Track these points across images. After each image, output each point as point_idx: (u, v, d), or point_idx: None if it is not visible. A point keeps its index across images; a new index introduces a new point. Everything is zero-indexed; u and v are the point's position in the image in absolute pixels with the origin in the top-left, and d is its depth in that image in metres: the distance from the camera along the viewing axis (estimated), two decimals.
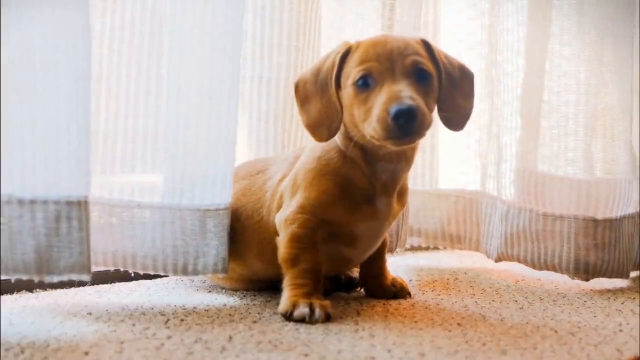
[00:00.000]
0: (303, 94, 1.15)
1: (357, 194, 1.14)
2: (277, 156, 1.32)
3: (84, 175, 1.05)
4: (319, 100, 1.13)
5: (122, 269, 1.20)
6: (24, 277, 1.02)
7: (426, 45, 1.13)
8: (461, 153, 1.68)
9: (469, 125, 1.59)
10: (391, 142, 1.05)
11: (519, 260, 1.48)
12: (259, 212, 1.21)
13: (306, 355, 0.92)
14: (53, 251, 1.02)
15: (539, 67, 1.48)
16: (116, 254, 1.18)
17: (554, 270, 1.44)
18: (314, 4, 1.44)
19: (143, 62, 1.19)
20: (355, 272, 1.34)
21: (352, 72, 1.09)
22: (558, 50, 1.47)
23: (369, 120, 1.06)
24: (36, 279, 1.02)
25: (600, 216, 1.43)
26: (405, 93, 1.03)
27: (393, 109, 1.01)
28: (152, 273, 1.21)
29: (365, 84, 1.07)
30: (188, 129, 1.17)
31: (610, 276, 1.43)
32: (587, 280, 1.43)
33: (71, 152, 1.03)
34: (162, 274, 1.20)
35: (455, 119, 1.16)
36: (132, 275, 1.31)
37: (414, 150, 1.16)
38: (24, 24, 1.00)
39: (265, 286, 1.28)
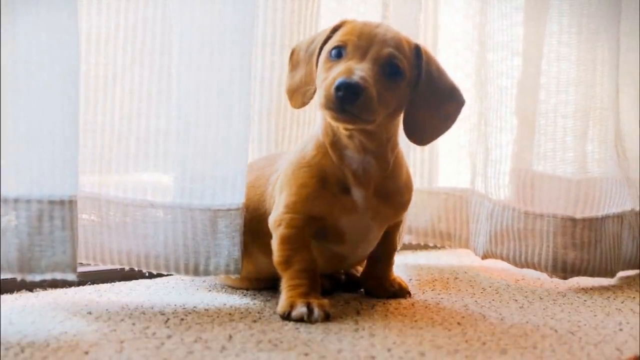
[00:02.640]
0: (295, 60, 1.19)
1: (333, 184, 1.14)
2: (288, 151, 1.33)
3: (70, 175, 1.04)
4: (305, 67, 1.16)
5: (136, 268, 1.20)
6: (6, 276, 1.02)
7: (417, 50, 1.13)
8: (455, 152, 1.68)
9: (463, 124, 1.61)
10: (329, 114, 1.06)
11: (502, 258, 1.49)
12: (263, 205, 1.22)
13: (306, 354, 0.92)
14: (35, 250, 1.02)
15: (534, 66, 1.48)
16: (130, 253, 1.19)
17: (534, 268, 1.45)
18: (309, 3, 1.44)
19: (155, 61, 1.20)
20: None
21: (331, 41, 1.11)
22: (555, 50, 1.47)
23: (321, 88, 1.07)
24: (18, 277, 1.02)
25: (579, 215, 1.43)
26: (359, 72, 1.04)
27: (338, 80, 1.02)
28: (164, 273, 1.21)
29: (337, 55, 1.09)
30: (199, 128, 1.18)
31: (591, 275, 1.44)
32: (565, 278, 1.44)
33: (56, 151, 1.03)
34: (174, 274, 1.21)
35: (420, 134, 1.16)
36: (133, 274, 1.31)
37: (380, 145, 1.14)
38: (8, 23, 1.00)
39: (267, 285, 1.28)
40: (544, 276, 1.49)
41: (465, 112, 1.59)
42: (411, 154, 1.59)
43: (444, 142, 1.68)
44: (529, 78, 1.49)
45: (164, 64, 1.19)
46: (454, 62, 1.65)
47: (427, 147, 1.64)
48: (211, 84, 1.17)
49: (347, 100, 1.02)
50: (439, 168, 1.69)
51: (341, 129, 1.11)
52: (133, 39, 1.19)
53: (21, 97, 1.01)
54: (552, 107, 1.47)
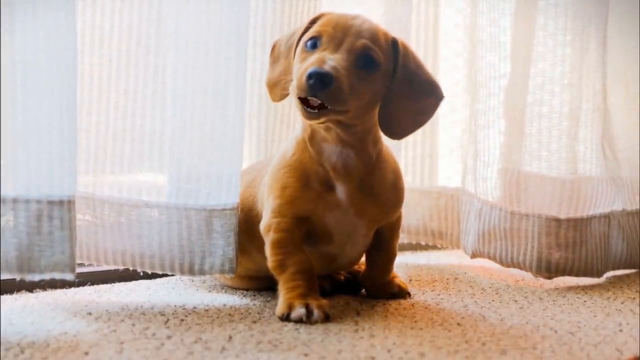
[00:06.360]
0: (276, 54, 1.19)
1: (315, 182, 1.13)
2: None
3: (68, 175, 1.05)
4: (285, 60, 1.15)
5: (130, 268, 1.20)
6: (5, 276, 1.02)
7: (393, 43, 1.13)
8: (454, 152, 1.69)
9: (461, 125, 1.61)
10: (299, 104, 1.04)
11: (489, 257, 1.50)
12: (256, 207, 1.22)
13: (306, 355, 0.92)
14: (34, 250, 1.02)
15: (523, 68, 1.49)
16: (125, 253, 1.19)
17: (519, 268, 1.46)
18: (299, 3, 1.43)
19: (150, 62, 1.20)
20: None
21: (308, 33, 1.11)
22: (543, 51, 1.48)
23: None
24: (17, 277, 1.02)
25: (563, 215, 1.44)
26: (330, 62, 1.04)
27: (310, 69, 1.02)
28: (159, 272, 1.21)
29: (313, 46, 1.09)
30: (193, 128, 1.18)
31: (577, 275, 1.45)
32: (549, 278, 1.45)
33: (54, 151, 1.03)
34: (170, 273, 1.21)
35: (393, 127, 1.14)
36: (132, 275, 1.31)
37: (359, 139, 1.13)
38: (6, 23, 1.00)
39: (267, 285, 1.28)
40: None
41: (464, 113, 1.61)
42: (402, 152, 1.59)
43: (444, 143, 1.69)
44: (517, 80, 1.49)
45: (159, 64, 1.20)
46: (453, 64, 1.66)
47: (423, 146, 1.65)
48: (206, 84, 1.17)
49: (317, 88, 1.02)
50: (437, 168, 1.68)
51: (303, 116, 1.08)
52: (128, 40, 1.19)
53: (19, 97, 1.01)
54: (537, 108, 1.48)
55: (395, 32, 1.20)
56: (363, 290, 1.30)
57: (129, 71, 1.19)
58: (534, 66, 1.49)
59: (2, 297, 1.18)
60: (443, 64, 1.66)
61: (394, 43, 1.13)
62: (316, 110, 1.04)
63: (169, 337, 0.98)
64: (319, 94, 1.02)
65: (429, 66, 1.52)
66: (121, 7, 1.18)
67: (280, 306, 1.10)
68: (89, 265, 1.24)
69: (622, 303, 1.28)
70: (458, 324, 1.10)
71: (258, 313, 1.13)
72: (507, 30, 1.50)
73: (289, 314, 1.08)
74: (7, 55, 1.00)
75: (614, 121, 1.58)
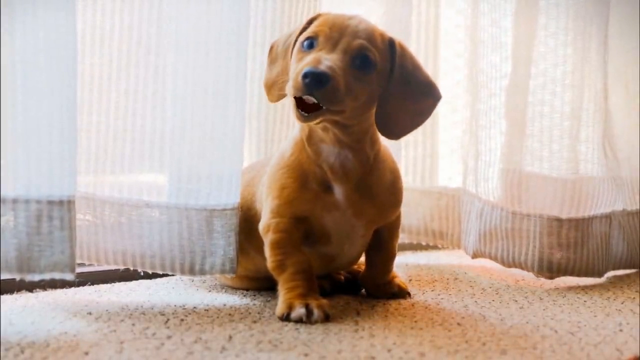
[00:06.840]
0: (274, 55, 1.19)
1: (313, 182, 1.13)
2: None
3: (67, 175, 1.05)
4: (282, 61, 1.15)
5: (131, 268, 1.21)
6: (5, 276, 1.02)
7: (390, 44, 1.12)
8: (455, 152, 1.69)
9: (461, 125, 1.61)
10: (293, 105, 1.05)
11: (490, 257, 1.50)
12: (254, 206, 1.22)
13: (306, 355, 0.92)
14: (34, 250, 1.02)
15: (524, 68, 1.49)
16: (126, 253, 1.19)
17: (521, 268, 1.47)
18: (299, 3, 1.43)
19: (150, 62, 1.20)
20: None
21: (305, 33, 1.10)
22: (544, 51, 1.49)
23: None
24: (17, 277, 1.02)
25: (565, 216, 1.44)
26: (326, 62, 1.03)
27: (305, 69, 1.02)
28: (160, 272, 1.21)
29: (309, 46, 1.08)
30: (194, 128, 1.18)
31: (578, 275, 1.46)
32: (551, 278, 1.45)
33: (54, 152, 1.03)
34: (170, 273, 1.21)
35: (391, 127, 1.14)
36: (133, 275, 1.31)
37: (356, 139, 1.13)
38: (6, 23, 1.00)
39: (267, 286, 1.28)
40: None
41: (465, 114, 1.61)
42: (403, 152, 1.59)
43: (444, 143, 1.69)
44: (519, 80, 1.50)
45: (159, 64, 1.20)
46: (454, 64, 1.66)
47: (423, 146, 1.65)
48: (207, 84, 1.18)
49: (313, 87, 1.01)
50: (438, 168, 1.69)
51: (297, 117, 1.08)
52: (128, 40, 1.19)
53: (19, 97, 1.01)
54: (538, 108, 1.49)
55: (396, 33, 1.21)
56: (363, 290, 1.30)
57: (129, 71, 1.20)
58: (535, 66, 1.49)
59: (2, 297, 1.18)
60: (444, 65, 1.66)
61: (391, 43, 1.13)
62: (310, 114, 1.04)
63: (169, 337, 0.98)
64: (315, 93, 1.02)
65: (429, 67, 1.54)
66: (121, 7, 1.18)
67: (280, 306, 1.11)
68: (89, 265, 1.25)
69: (622, 303, 1.28)
70: (458, 324, 1.10)
71: (258, 313, 1.13)
72: (509, 30, 1.50)
73: (289, 314, 1.08)
74: (7, 55, 1.00)
75: (614, 121, 1.58)
